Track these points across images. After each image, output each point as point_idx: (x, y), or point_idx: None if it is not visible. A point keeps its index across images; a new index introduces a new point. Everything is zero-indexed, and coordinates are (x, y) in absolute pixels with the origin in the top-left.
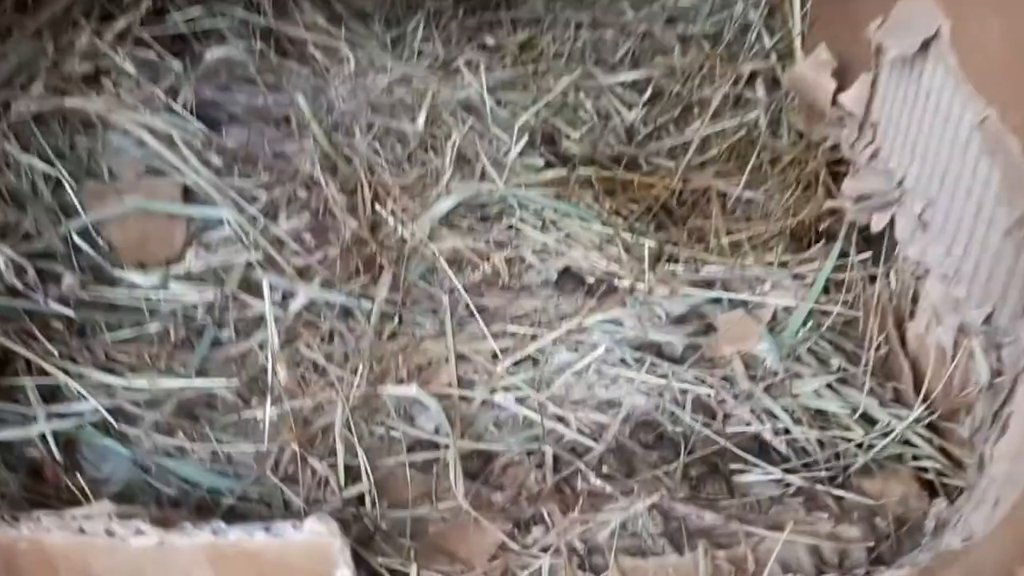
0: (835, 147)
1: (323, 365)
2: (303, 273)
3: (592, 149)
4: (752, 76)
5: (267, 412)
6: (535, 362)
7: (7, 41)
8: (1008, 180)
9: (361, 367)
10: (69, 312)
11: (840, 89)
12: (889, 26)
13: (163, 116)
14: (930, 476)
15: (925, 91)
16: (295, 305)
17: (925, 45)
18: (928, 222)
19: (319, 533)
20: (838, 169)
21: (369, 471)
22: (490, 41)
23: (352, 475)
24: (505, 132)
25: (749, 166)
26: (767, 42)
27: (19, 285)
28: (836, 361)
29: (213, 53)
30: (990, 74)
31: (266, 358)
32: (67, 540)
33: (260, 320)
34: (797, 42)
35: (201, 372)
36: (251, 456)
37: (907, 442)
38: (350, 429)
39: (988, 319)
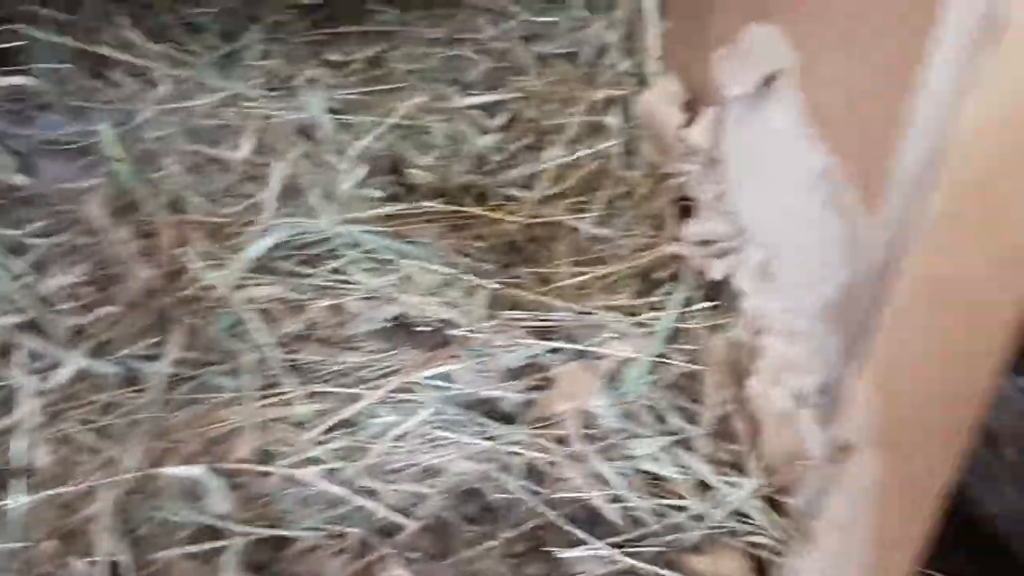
0: (685, 183)
1: (92, 445)
2: (78, 335)
3: (441, 178)
4: (608, 102)
5: (20, 503)
6: (353, 427)
7: None
8: (845, 237)
9: (140, 444)
10: None
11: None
12: (733, 57)
13: None
14: (763, 552)
15: (770, 131)
16: (60, 377)
17: (769, 81)
18: (771, 273)
19: None
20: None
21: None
22: (335, 56)
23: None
24: (344, 159)
25: (604, 200)
26: (624, 66)
27: None
28: (675, 421)
29: (3, 80)
30: (837, 118)
31: (23, 439)
32: None
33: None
34: (651, 67)
35: None
36: (7, 555)
37: (742, 514)
38: (123, 518)
39: (824, 387)
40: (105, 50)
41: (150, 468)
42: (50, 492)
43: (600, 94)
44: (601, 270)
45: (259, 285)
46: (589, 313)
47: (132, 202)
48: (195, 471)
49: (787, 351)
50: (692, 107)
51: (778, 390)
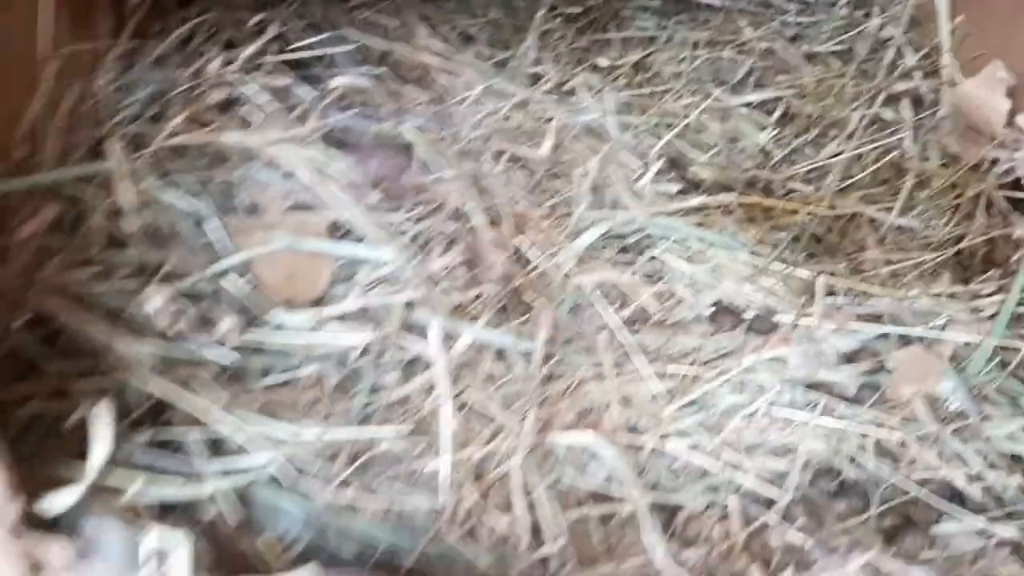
0: (1008, 171)
1: (491, 411)
2: (457, 312)
3: (724, 174)
4: (891, 96)
5: (445, 464)
6: (701, 405)
7: (131, 70)
8: None
9: (532, 412)
10: (227, 359)
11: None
12: None
13: (309, 148)
14: None
15: None
16: (460, 345)
17: None
18: None
19: None
20: (1011, 195)
21: (562, 525)
22: (603, 62)
23: (534, 531)
24: (631, 156)
25: (903, 191)
26: (910, 60)
27: (175, 330)
28: None
29: (338, 80)
30: None
31: (430, 404)
32: None
33: (418, 363)
34: (946, 59)
35: (362, 420)
36: (424, 511)
37: None
38: (526, 481)
39: None
40: (406, 54)
41: (539, 435)
42: (462, 454)
43: (891, 86)
44: (915, 258)
45: (593, 272)
46: (912, 298)
47: (472, 195)
48: (587, 437)
49: None
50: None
51: None
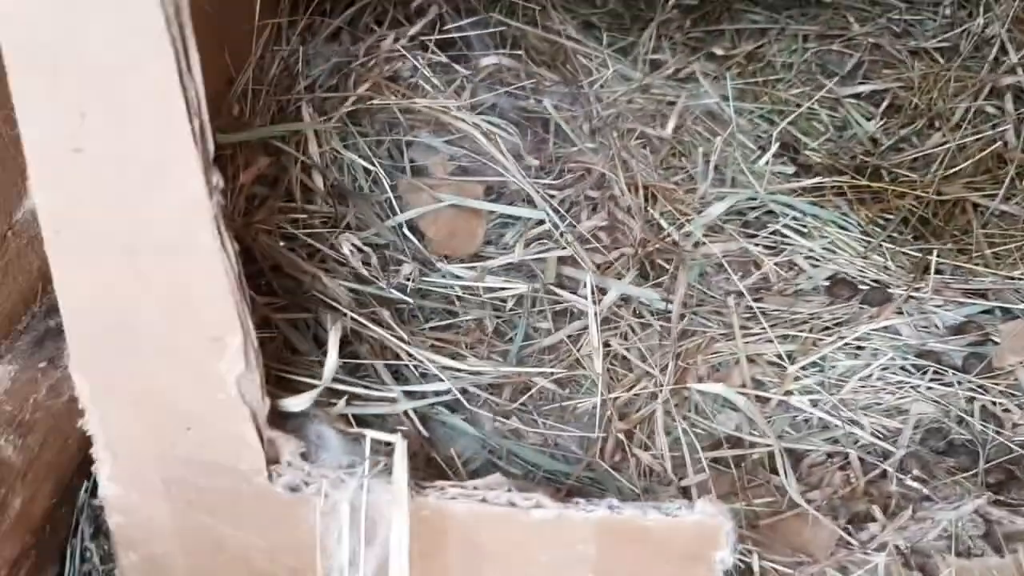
0: None
1: (633, 360)
2: (604, 268)
3: (834, 159)
4: (995, 89)
5: (597, 402)
6: (819, 367)
7: (311, 42)
8: None
9: (671, 363)
10: (407, 299)
11: None
12: None
13: (472, 117)
14: None
15: None
16: (608, 299)
17: None
18: None
19: (710, 514)
20: None
21: (702, 462)
22: (718, 51)
23: (675, 467)
24: (748, 140)
25: (1006, 179)
26: (1013, 57)
27: (364, 271)
28: None
29: (488, 60)
30: None
31: (577, 350)
32: (467, 509)
33: (567, 313)
34: None
35: (518, 362)
36: (576, 442)
37: None
38: (666, 423)
39: None
40: (542, 39)
41: (676, 385)
42: (612, 396)
43: (987, 82)
44: (1017, 240)
45: (718, 242)
46: (1015, 278)
47: (613, 168)
48: (719, 388)
49: None
50: None
51: None
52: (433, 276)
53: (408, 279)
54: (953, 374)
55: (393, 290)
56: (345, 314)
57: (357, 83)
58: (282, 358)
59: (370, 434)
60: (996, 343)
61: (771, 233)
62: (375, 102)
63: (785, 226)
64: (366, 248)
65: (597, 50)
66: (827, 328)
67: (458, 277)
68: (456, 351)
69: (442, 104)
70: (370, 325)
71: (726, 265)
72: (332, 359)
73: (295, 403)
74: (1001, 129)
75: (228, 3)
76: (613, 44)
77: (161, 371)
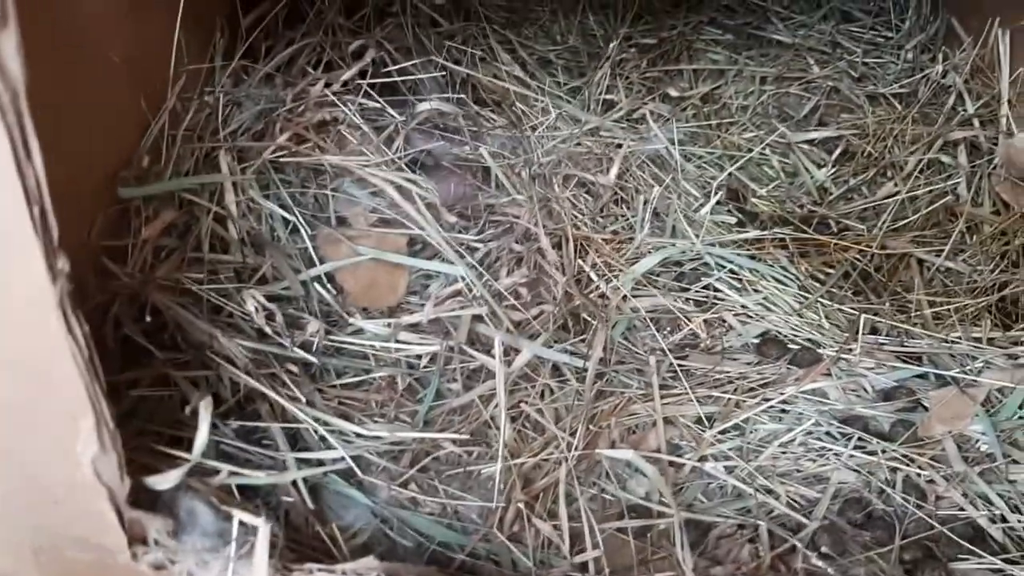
0: None
1: (544, 422)
2: (518, 328)
3: (779, 207)
4: (950, 141)
5: (498, 469)
6: (740, 431)
7: (241, 85)
8: None
9: (580, 427)
10: (312, 358)
11: None
12: None
13: (395, 169)
14: None
15: None
16: (520, 361)
17: None
18: None
19: None
20: None
21: (597, 537)
22: (673, 92)
23: (575, 538)
24: (693, 187)
25: (953, 235)
26: (970, 107)
27: (267, 329)
28: None
29: (423, 105)
30: None
31: (488, 412)
32: None
33: (480, 373)
34: (1005, 109)
35: (426, 423)
36: (476, 512)
37: None
38: (569, 491)
39: None
40: (488, 82)
41: (586, 449)
42: (517, 461)
43: (948, 133)
44: (959, 301)
45: (646, 296)
46: (952, 341)
47: (540, 218)
48: (628, 454)
49: None
50: None
51: None
52: (344, 332)
53: (314, 336)
54: (877, 442)
55: (297, 349)
56: (241, 375)
57: (283, 130)
58: (179, 418)
59: (237, 514)
60: (927, 409)
61: (704, 287)
62: (286, 155)
63: (719, 279)
64: (270, 305)
65: (545, 92)
66: (752, 389)
67: (373, 334)
68: (359, 414)
69: (357, 158)
70: (264, 387)
71: (648, 322)
72: (202, 435)
73: (161, 481)
74: (954, 182)
75: (150, 50)
76: (568, 83)
77: (27, 447)
